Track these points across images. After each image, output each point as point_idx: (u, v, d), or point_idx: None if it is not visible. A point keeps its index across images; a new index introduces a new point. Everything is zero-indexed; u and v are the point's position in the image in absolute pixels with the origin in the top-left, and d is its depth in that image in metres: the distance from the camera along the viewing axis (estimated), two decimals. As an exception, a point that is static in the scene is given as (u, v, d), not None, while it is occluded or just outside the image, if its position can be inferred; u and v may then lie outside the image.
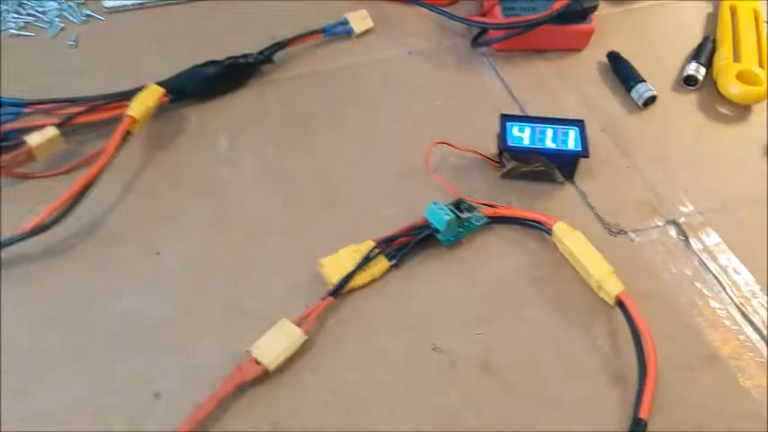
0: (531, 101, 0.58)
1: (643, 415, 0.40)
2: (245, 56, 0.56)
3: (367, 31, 0.62)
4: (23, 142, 0.48)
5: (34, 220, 0.44)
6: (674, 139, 0.56)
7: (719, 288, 0.48)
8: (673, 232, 0.50)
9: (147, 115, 0.50)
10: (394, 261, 0.46)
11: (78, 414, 0.39)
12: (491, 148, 0.53)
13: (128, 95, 0.51)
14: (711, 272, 0.48)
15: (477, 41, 0.61)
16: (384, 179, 0.52)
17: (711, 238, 0.50)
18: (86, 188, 0.46)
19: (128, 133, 0.49)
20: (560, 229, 0.47)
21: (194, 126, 0.54)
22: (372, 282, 0.46)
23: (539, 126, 0.51)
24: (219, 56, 0.56)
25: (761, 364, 0.44)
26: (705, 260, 0.49)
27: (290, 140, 0.54)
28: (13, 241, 0.44)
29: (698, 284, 0.48)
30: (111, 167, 0.48)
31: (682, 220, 0.51)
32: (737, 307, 0.47)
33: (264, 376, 0.41)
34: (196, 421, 0.38)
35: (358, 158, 0.53)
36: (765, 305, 0.47)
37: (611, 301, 0.45)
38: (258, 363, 0.41)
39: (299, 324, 0.42)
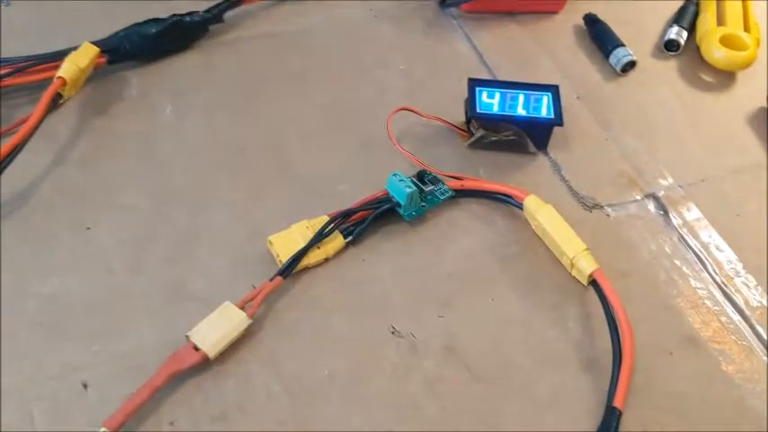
0: (502, 66, 0.54)
1: (617, 404, 0.37)
2: (190, 13, 0.51)
3: (328, -10, 0.58)
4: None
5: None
6: (654, 108, 0.53)
7: (700, 266, 0.45)
8: (651, 207, 0.47)
9: (80, 77, 0.45)
10: (350, 238, 0.43)
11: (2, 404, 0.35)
12: (459, 116, 0.49)
13: (60, 56, 0.46)
14: (692, 249, 0.45)
15: (445, 2, 0.57)
16: (342, 149, 0.48)
17: (692, 213, 0.47)
18: (10, 156, 0.41)
19: (58, 96, 0.44)
20: (532, 202, 0.43)
21: (135, 91, 0.49)
22: (326, 260, 0.42)
23: (509, 92, 0.47)
24: (164, 13, 0.51)
25: (743, 347, 0.41)
26: (685, 236, 0.46)
27: (240, 107, 0.49)
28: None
29: (677, 262, 0.44)
30: (42, 135, 0.44)
31: (661, 193, 0.48)
32: (719, 286, 0.44)
33: (204, 364, 0.37)
34: (127, 413, 0.34)
35: (315, 127, 0.49)
36: (748, 284, 0.44)
37: (585, 281, 0.42)
38: (197, 349, 0.37)
39: (243, 307, 0.39)
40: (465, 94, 0.49)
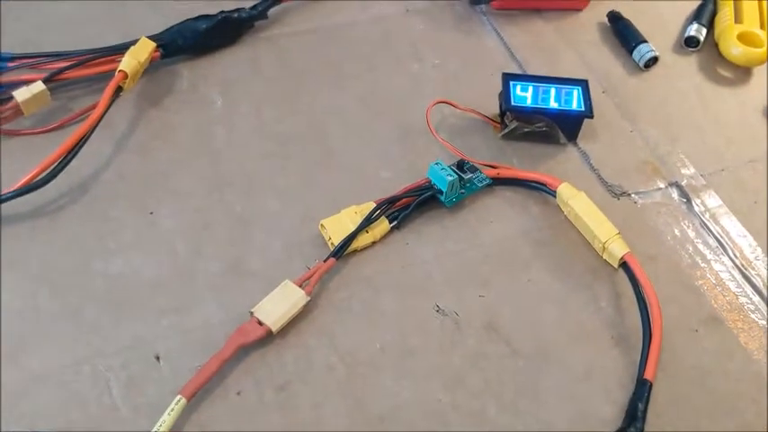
0: (530, 61, 0.57)
1: (648, 376, 0.40)
2: (237, 10, 0.54)
3: (363, -13, 0.60)
4: (11, 97, 0.46)
5: (24, 178, 0.43)
6: (676, 101, 0.56)
7: (721, 250, 0.47)
8: (675, 194, 0.50)
9: (139, 71, 0.48)
10: (395, 222, 0.46)
11: (78, 376, 0.38)
12: (490, 108, 0.52)
13: (118, 50, 0.49)
14: (713, 234, 0.48)
15: (475, -1, 0.60)
16: (383, 139, 0.51)
17: (713, 201, 0.50)
18: (78, 145, 0.44)
19: (119, 89, 0.47)
20: (565, 190, 0.46)
21: (186, 84, 0.52)
22: (374, 243, 0.45)
23: (542, 86, 0.50)
24: (210, 10, 0.54)
25: (762, 325, 0.44)
26: (707, 222, 0.49)
27: (285, 100, 0.52)
28: (2, 200, 0.42)
29: (700, 247, 0.47)
30: (102, 125, 0.47)
31: (684, 182, 0.51)
32: (739, 269, 0.47)
33: (268, 338, 0.40)
34: (200, 382, 0.37)
35: (356, 118, 0.52)
36: (766, 267, 0.47)
37: (616, 264, 0.45)
38: (261, 324, 0.40)
39: (301, 285, 0.41)
40: (495, 87, 0.51)
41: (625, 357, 0.42)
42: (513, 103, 0.49)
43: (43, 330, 0.40)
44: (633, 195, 0.50)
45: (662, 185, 0.50)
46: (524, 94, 0.50)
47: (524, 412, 0.39)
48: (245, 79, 0.53)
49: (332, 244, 0.44)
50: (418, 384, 0.40)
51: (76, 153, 0.44)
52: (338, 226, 0.44)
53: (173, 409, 0.36)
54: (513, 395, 0.40)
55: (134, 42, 0.49)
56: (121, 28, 0.53)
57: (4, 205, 0.43)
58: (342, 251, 0.43)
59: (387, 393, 0.39)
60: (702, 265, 0.47)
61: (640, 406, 0.39)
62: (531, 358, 0.42)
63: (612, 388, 0.41)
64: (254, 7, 0.55)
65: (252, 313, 0.40)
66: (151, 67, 0.51)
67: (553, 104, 0.49)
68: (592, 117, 0.49)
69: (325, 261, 0.43)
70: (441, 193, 0.46)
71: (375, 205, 0.45)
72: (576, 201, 0.46)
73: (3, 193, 0.42)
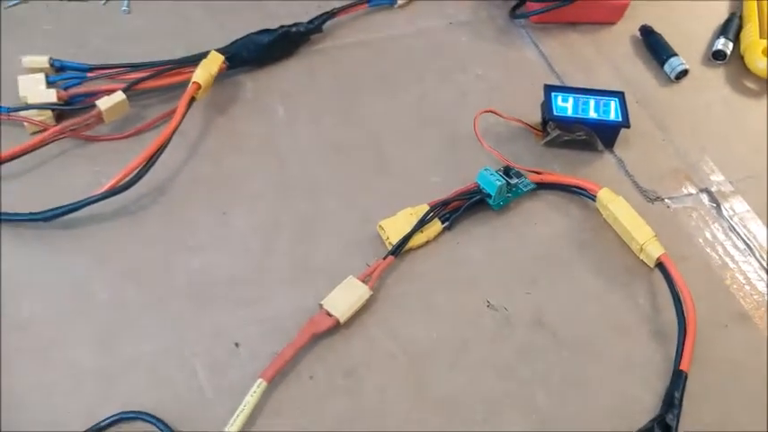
0: (568, 72, 0.60)
1: (684, 367, 0.43)
2: (296, 24, 0.58)
3: (408, 2, 0.64)
4: (93, 106, 0.50)
5: (110, 182, 0.47)
6: (705, 112, 0.59)
7: (749, 252, 0.51)
8: (705, 200, 0.54)
9: (210, 82, 0.52)
10: (447, 224, 0.49)
11: (166, 361, 0.42)
12: (532, 116, 0.56)
13: (188, 62, 0.53)
14: (742, 237, 0.52)
15: (515, 13, 0.64)
16: (432, 146, 0.55)
17: (741, 206, 0.53)
18: (158, 152, 0.48)
19: (192, 99, 0.51)
20: (605, 194, 0.50)
21: (250, 94, 0.56)
22: (427, 243, 0.49)
23: (581, 97, 0.54)
24: (268, 24, 0.58)
25: (788, 322, 0.48)
26: (736, 226, 0.52)
27: (341, 109, 0.56)
28: (89, 202, 0.46)
29: (729, 248, 0.51)
30: (176, 133, 0.51)
31: (713, 188, 0.54)
32: (766, 270, 0.50)
33: (336, 328, 0.44)
34: (278, 367, 0.41)
35: (407, 126, 0.56)
36: (791, 268, 0.50)
37: (652, 264, 0.48)
38: (330, 315, 0.44)
39: (364, 280, 0.45)
40: (536, 96, 0.55)
41: (661, 350, 0.46)
42: (555, 113, 0.53)
43: (132, 321, 0.44)
44: (666, 200, 0.53)
45: (693, 191, 0.54)
46: (565, 105, 0.53)
47: (570, 399, 0.43)
48: (304, 90, 0.57)
49: (390, 243, 0.48)
50: (472, 373, 0.44)
51: (157, 159, 0.48)
52: (395, 226, 0.48)
53: (254, 391, 0.40)
54: (559, 384, 0.44)
55: (203, 55, 0.53)
56: (186, 41, 0.57)
57: (91, 207, 0.47)
58: (399, 250, 0.47)
59: (444, 380, 0.43)
60: (732, 265, 0.50)
61: (677, 395, 0.43)
62: (576, 350, 0.45)
63: (650, 378, 0.44)
64: (310, 21, 0.59)
65: (321, 305, 0.44)
66: (217, 78, 0.55)
67: (592, 114, 0.53)
68: (629, 127, 0.53)
69: (384, 259, 0.47)
70: (489, 196, 0.50)
71: (429, 207, 0.49)
72: (614, 205, 0.49)
73: (92, 195, 0.46)
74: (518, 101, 0.57)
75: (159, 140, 0.48)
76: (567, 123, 0.53)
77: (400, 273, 0.48)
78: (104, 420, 0.39)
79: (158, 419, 0.39)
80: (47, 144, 0.49)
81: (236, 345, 0.43)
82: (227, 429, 0.39)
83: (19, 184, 0.49)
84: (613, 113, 0.53)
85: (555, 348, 0.45)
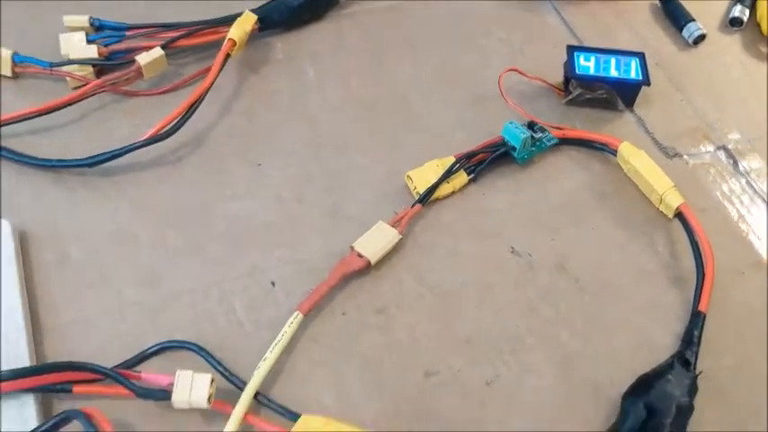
0: (588, 38, 0.62)
1: (702, 308, 0.45)
2: (326, -13, 0.60)
3: (433, -33, 0.66)
4: (133, 61, 0.52)
5: (151, 131, 0.49)
6: (722, 75, 0.61)
7: (765, 206, 0.52)
8: (723, 156, 0.55)
9: (244, 40, 0.54)
10: (473, 175, 0.51)
11: (207, 298, 0.44)
12: (554, 77, 0.57)
13: (223, 22, 0.55)
14: (758, 192, 0.53)
15: (536, -19, 0.65)
16: (457, 105, 0.56)
17: (757, 163, 0.55)
18: (196, 104, 0.50)
19: (227, 56, 0.53)
20: (626, 148, 0.52)
21: (281, 55, 0.58)
22: (453, 193, 0.51)
23: (603, 56, 0.55)
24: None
25: (803, 271, 0.49)
26: (752, 182, 0.54)
27: (369, 70, 0.58)
28: (132, 148, 0.48)
29: (746, 202, 0.52)
30: (211, 89, 0.53)
31: (731, 146, 0.56)
32: (782, 222, 0.52)
33: (366, 269, 0.46)
34: (313, 302, 0.43)
35: (433, 86, 0.57)
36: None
37: (671, 214, 0.50)
38: (361, 256, 0.46)
39: (393, 226, 0.47)
40: (557, 59, 0.57)
41: (681, 295, 0.47)
42: (577, 72, 0.55)
43: (173, 261, 0.46)
44: (684, 156, 0.55)
45: (710, 149, 0.55)
46: (587, 64, 0.55)
47: (592, 338, 0.45)
48: (332, 51, 0.59)
49: (417, 193, 0.50)
50: (498, 312, 0.46)
51: (195, 110, 0.50)
52: (422, 177, 0.50)
53: (291, 322, 0.42)
54: (582, 325, 0.45)
55: (237, 15, 0.55)
56: (218, 5, 0.58)
57: (132, 154, 0.49)
58: (426, 199, 0.49)
59: (470, 319, 0.45)
60: (748, 218, 0.52)
61: (695, 333, 0.44)
62: (597, 294, 0.47)
63: (670, 321, 0.46)
64: (339, -15, 0.61)
65: (353, 247, 0.46)
66: (248, 40, 0.57)
67: (613, 73, 0.55)
68: (649, 84, 0.55)
69: (412, 207, 0.49)
70: (513, 149, 0.51)
71: (455, 159, 0.51)
72: (635, 158, 0.51)
73: (134, 141, 0.48)
74: (540, 63, 0.59)
75: (198, 92, 0.50)
76: (588, 82, 0.55)
77: (427, 221, 0.49)
78: (149, 349, 0.41)
79: (202, 348, 0.41)
80: (87, 97, 0.51)
81: (273, 284, 0.45)
82: (266, 355, 0.41)
83: (62, 136, 0.51)
84: (634, 72, 0.55)
85: (577, 291, 0.47)
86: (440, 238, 0.49)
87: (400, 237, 0.47)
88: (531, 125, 0.53)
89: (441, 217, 0.50)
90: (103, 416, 0.36)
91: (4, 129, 0.50)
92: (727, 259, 0.49)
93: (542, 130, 0.53)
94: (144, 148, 0.49)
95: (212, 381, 0.38)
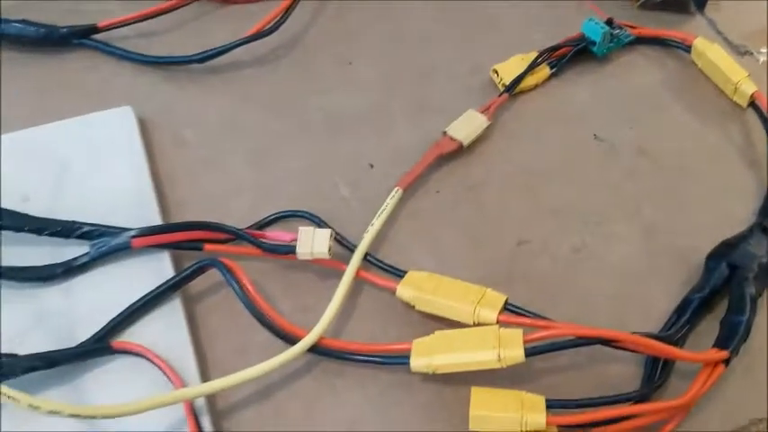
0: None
1: (777, 187, 0.48)
2: None
3: None
4: (229, -31, 0.56)
5: (253, 29, 0.52)
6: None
7: (837, 98, 0.54)
8: (793, 53, 0.57)
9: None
10: (555, 69, 0.54)
11: (312, 177, 0.48)
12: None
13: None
14: (829, 85, 0.55)
15: None
16: (534, 6, 0.59)
17: (827, 60, 0.57)
18: (293, 5, 0.54)
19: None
20: (700, 42, 0.54)
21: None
22: (536, 87, 0.54)
23: (676, -41, 0.57)
24: None
25: None
26: (823, 75, 0.56)
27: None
28: (238, 44, 0.51)
29: (818, 94, 0.55)
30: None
31: (801, 44, 0.58)
32: None
33: (458, 152, 0.49)
34: (411, 179, 0.46)
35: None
36: None
37: (745, 103, 0.52)
38: (453, 139, 0.49)
39: (482, 113, 0.50)
40: (628, -29, 0.59)
41: (757, 177, 0.50)
42: (651, -26, 0.57)
43: (278, 145, 0.49)
44: (755, 54, 0.57)
45: (781, 46, 0.58)
46: (661, -34, 0.57)
47: (674, 213, 0.48)
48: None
49: (503, 85, 0.52)
50: (583, 189, 0.48)
51: (292, 11, 0.53)
52: (507, 69, 0.53)
53: (392, 196, 0.45)
54: (663, 200, 0.48)
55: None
56: None
57: (232, 55, 0.52)
58: (512, 89, 0.52)
59: (558, 194, 0.48)
60: (820, 107, 0.54)
61: (773, 204, 0.47)
62: (677, 174, 0.50)
63: (747, 199, 0.48)
64: None
65: (445, 132, 0.49)
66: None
67: (686, -26, 0.57)
68: (722, -17, 0.57)
69: (499, 96, 0.52)
70: (593, 44, 0.54)
71: (538, 53, 0.53)
72: (710, 50, 0.53)
73: (237, 39, 0.52)
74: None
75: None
76: (662, -17, 0.57)
77: (513, 111, 0.52)
78: (266, 218, 0.45)
79: (314, 215, 0.45)
80: (188, 4, 0.55)
81: (371, 165, 0.49)
82: (372, 222, 0.44)
83: (167, 40, 0.55)
84: (707, -27, 0.57)
85: (658, 172, 0.50)
86: (525, 125, 0.52)
87: (489, 122, 0.50)
88: (609, 22, 0.55)
89: (525, 107, 0.53)
90: (239, 266, 0.40)
91: (114, 32, 0.53)
92: (797, 145, 0.51)
93: (620, 27, 0.55)
94: (244, 48, 0.52)
95: (332, 234, 0.42)
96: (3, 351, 0.37)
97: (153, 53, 0.53)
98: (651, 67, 0.56)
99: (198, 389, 0.36)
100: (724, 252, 0.44)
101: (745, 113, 0.53)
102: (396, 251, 0.45)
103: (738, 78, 0.52)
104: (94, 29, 0.52)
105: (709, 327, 0.42)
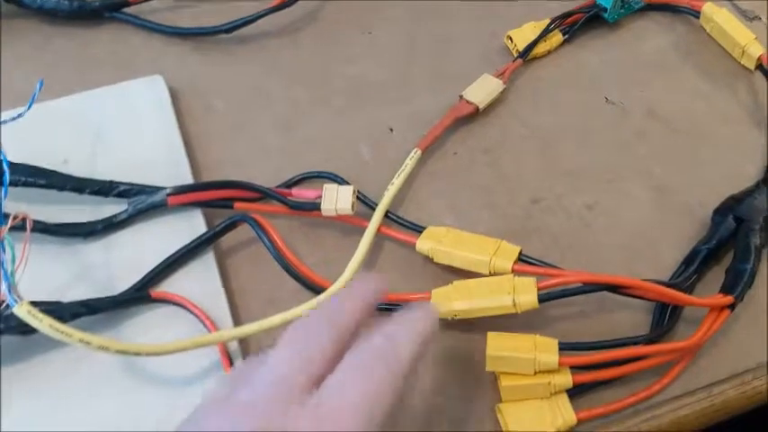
0: None
1: (784, 143, 0.49)
2: None
3: None
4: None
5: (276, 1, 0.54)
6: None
7: None
8: (802, 18, 0.59)
9: None
10: (567, 36, 0.56)
11: (336, 141, 0.50)
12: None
13: None
14: (837, 48, 0.56)
15: None
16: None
17: (837, 24, 0.58)
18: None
19: (337, -63, 0.58)
20: (710, 7, 0.55)
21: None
22: (549, 53, 0.55)
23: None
24: None
25: None
26: (832, 40, 0.57)
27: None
28: (264, 14, 0.54)
29: (826, 57, 0.56)
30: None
31: (810, 9, 0.59)
32: None
33: (474, 115, 0.51)
34: (430, 140, 0.49)
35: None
36: None
37: (753, 66, 0.54)
38: (470, 103, 0.51)
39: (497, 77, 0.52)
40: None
41: (764, 136, 0.51)
42: (661, -58, 0.58)
43: (303, 112, 0.52)
44: (763, 18, 0.58)
45: (790, 12, 0.59)
46: (669, -66, 0.58)
47: (684, 171, 0.49)
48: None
49: (517, 50, 0.54)
50: (595, 150, 0.50)
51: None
52: (521, 36, 0.55)
53: (412, 157, 0.48)
54: (674, 161, 0.50)
55: None
56: None
57: (257, 26, 0.55)
58: (526, 55, 0.54)
59: (571, 155, 0.50)
60: (828, 70, 0.55)
61: (781, 160, 0.49)
62: (686, 134, 0.51)
63: (755, 156, 0.50)
64: None
65: (461, 96, 0.51)
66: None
67: (696, -59, 0.58)
68: (731, -50, 0.58)
69: (513, 61, 0.53)
70: (604, 10, 0.56)
71: (550, 20, 0.55)
72: (719, 14, 0.55)
73: (262, 9, 0.54)
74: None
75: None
76: (671, -50, 0.58)
77: (526, 76, 0.54)
78: (292, 179, 0.47)
79: (337, 176, 0.47)
80: (214, -21, 0.57)
81: (391, 130, 0.51)
82: (393, 181, 0.46)
83: (192, 11, 0.57)
84: (716, -61, 0.58)
85: (667, 132, 0.51)
86: (539, 89, 0.54)
87: (504, 86, 0.52)
88: (620, -11, 0.57)
89: (539, 72, 0.55)
90: (268, 222, 0.43)
91: (144, 5, 0.56)
92: (807, 105, 0.53)
93: (630, -6, 0.57)
94: (269, 19, 0.55)
95: (354, 191, 0.44)
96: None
97: (181, 25, 0.55)
98: (661, 31, 0.57)
99: (233, 331, 0.39)
100: (731, 206, 0.46)
101: (753, 76, 0.54)
102: (415, 209, 0.47)
103: (746, 42, 0.53)
104: (125, 2, 0.55)
105: (716, 278, 0.44)
